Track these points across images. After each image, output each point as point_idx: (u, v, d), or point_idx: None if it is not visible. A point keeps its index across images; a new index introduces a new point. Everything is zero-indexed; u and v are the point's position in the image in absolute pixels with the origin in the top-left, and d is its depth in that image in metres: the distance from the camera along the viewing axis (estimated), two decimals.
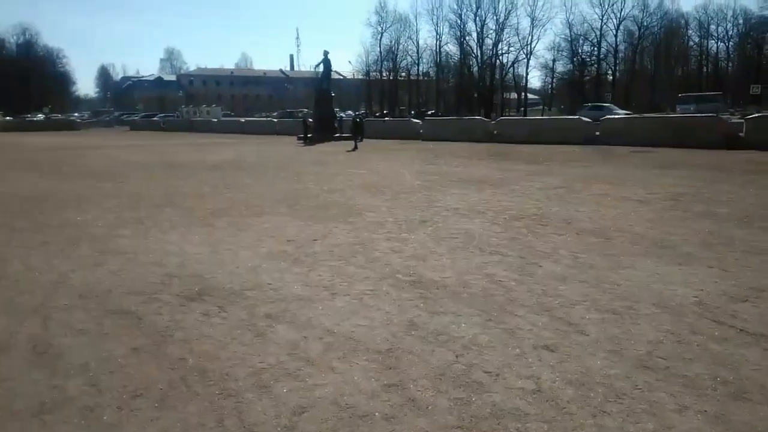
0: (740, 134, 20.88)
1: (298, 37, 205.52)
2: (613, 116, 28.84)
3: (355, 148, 25.69)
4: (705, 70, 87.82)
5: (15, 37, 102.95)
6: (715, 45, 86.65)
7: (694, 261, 5.73)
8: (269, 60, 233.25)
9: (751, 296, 4.57)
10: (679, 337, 3.79)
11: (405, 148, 25.82)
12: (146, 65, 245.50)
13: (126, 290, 5.10)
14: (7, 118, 71.13)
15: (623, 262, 5.74)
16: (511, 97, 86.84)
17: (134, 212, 9.27)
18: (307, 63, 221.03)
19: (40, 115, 76.98)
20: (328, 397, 3.09)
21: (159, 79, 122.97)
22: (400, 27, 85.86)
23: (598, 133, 25.35)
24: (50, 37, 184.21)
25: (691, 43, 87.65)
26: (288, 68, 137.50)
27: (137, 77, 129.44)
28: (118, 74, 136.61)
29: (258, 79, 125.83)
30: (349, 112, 62.31)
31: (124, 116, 77.08)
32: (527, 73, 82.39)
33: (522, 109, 79.01)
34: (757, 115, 23.84)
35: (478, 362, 3.49)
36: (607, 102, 58.43)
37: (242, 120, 53.91)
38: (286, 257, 6.12)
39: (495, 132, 29.51)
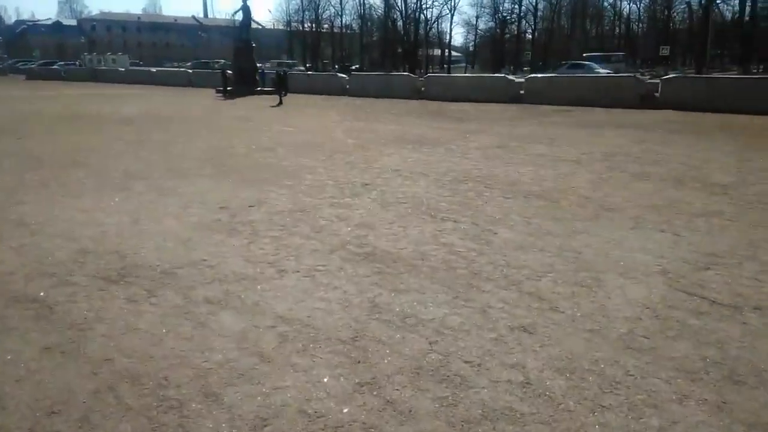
0: (656, 94, 21.75)
1: None
2: (536, 75, 29.16)
3: (280, 103, 24.53)
4: (618, 30, 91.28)
5: None
6: (628, 6, 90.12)
7: (645, 225, 5.67)
8: (180, 5, 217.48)
9: (711, 264, 4.51)
10: (656, 312, 3.62)
11: (332, 104, 24.96)
12: (43, 9, 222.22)
13: (31, 271, 4.31)
14: None
15: (577, 227, 5.59)
16: (435, 53, 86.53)
17: (37, 173, 8.12)
18: (223, 11, 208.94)
19: None
20: (291, 404, 2.63)
21: (57, 24, 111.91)
22: None
23: (522, 92, 25.64)
24: None
25: (606, 3, 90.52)
26: (201, 15, 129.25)
27: (33, 21, 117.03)
28: (11, 18, 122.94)
29: (168, 26, 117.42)
30: (268, 63, 59.48)
31: (20, 64, 69.68)
32: (451, 29, 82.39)
33: (445, 66, 78.99)
34: (672, 75, 24.94)
35: (454, 350, 3.14)
36: (527, 61, 59.48)
37: (153, 70, 50.15)
38: (221, 227, 5.48)
39: (422, 89, 29.17)
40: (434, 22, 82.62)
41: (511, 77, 28.33)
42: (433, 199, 6.81)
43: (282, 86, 26.55)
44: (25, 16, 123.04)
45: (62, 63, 68.10)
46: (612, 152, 10.55)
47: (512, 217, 5.98)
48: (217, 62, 64.86)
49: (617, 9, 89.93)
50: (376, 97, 28.05)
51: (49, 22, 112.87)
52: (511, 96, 25.24)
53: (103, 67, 58.91)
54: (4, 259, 4.59)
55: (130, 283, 4.10)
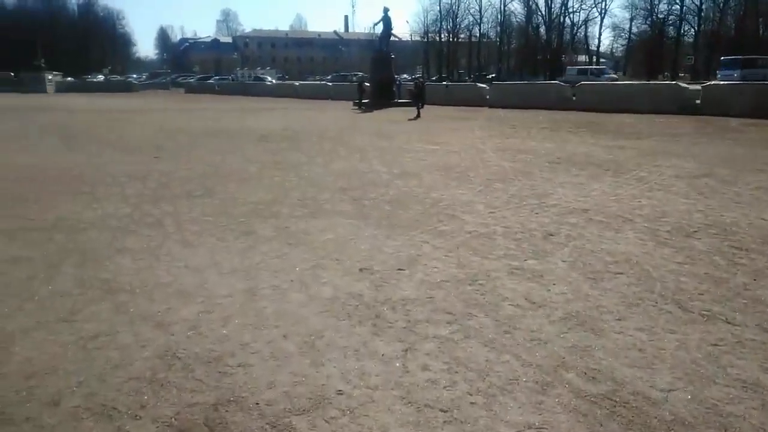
0: None
1: None
2: (719, 82, 24.84)
3: (418, 116, 23.11)
4: None
5: None
6: None
7: None
8: (324, 21, 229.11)
9: None
10: None
11: (472, 116, 23.04)
12: (204, 27, 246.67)
13: (89, 392, 2.89)
14: (68, 78, 71.83)
15: None
16: (580, 60, 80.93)
17: (157, 205, 7.15)
18: (362, 25, 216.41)
19: (99, 77, 77.39)
20: None
21: (215, 41, 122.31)
22: None
23: (698, 102, 21.84)
24: None
25: None
26: (342, 30, 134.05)
27: (194, 39, 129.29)
28: (176, 36, 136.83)
29: (312, 41, 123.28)
30: (405, 75, 58.91)
31: (180, 78, 76.50)
32: (600, 34, 76.30)
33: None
34: None
35: None
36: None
37: (296, 84, 51.79)
38: (362, 315, 3.78)
39: (573, 98, 26.25)
40: (580, 26, 77.50)
41: (683, 84, 24.43)
42: (664, 268, 4.62)
43: (420, 98, 25.16)
44: (189, 35, 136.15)
45: (217, 77, 73.58)
46: None
47: None
48: (355, 75, 65.96)
49: None
50: (520, 107, 25.68)
51: (208, 40, 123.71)
52: (682, 106, 21.64)
53: (253, 81, 62.21)
54: (58, 365, 3.19)
55: None
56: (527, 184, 8.38)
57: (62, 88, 63.75)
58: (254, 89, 51.43)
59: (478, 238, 5.50)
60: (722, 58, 48.47)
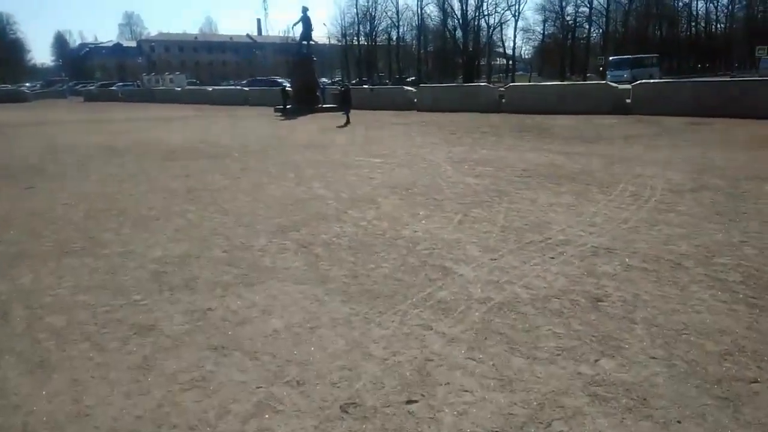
0: None
1: (265, 0, 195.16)
2: (647, 81, 24.80)
3: (347, 122, 21.28)
4: (690, 31, 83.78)
5: None
6: (704, 6, 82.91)
7: None
8: (236, 24, 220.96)
9: None
10: None
11: (404, 120, 21.55)
12: (105, 31, 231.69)
13: None
14: None
15: None
16: (496, 62, 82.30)
17: (7, 273, 4.84)
18: (276, 27, 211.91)
19: None
20: None
21: (118, 46, 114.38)
22: None
23: (628, 101, 21.60)
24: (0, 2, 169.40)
25: (680, 3, 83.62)
26: (255, 33, 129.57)
27: (95, 44, 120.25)
28: (75, 41, 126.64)
29: (224, 45, 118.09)
30: (324, 79, 56.71)
31: (80, 86, 70.09)
32: (515, 36, 77.73)
33: (509, 75, 74.54)
34: None
35: None
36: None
37: (209, 89, 48.36)
38: None
39: (503, 101, 25.43)
40: (494, 28, 78.59)
41: (613, 84, 24.21)
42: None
43: (346, 103, 23.31)
44: (89, 40, 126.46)
45: (120, 84, 67.99)
46: None
47: None
48: (272, 79, 63.07)
49: (692, 8, 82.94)
50: (451, 111, 24.52)
51: (110, 44, 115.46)
52: (615, 105, 21.34)
53: (161, 87, 57.74)
54: None
55: None
56: (512, 210, 6.75)
57: None
58: (162, 95, 47.51)
59: (500, 315, 3.72)
60: (611, 58, 49.72)
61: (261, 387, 2.91)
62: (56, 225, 6.47)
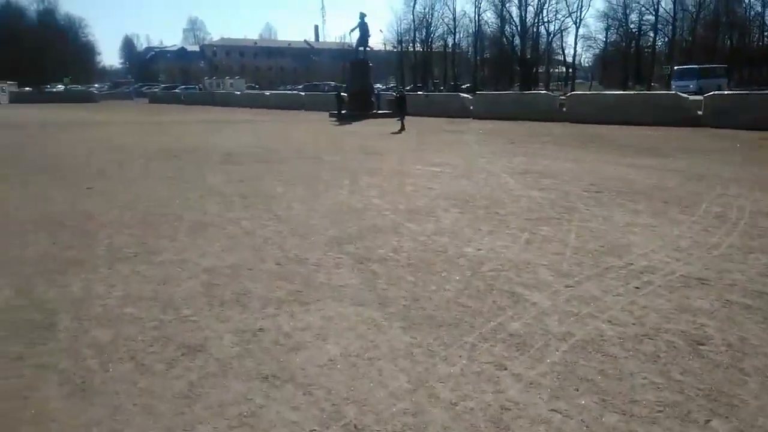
0: None
1: (323, 7, 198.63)
2: (720, 92, 23.39)
3: (402, 128, 20.99)
4: (763, 41, 78.92)
5: (35, 5, 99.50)
6: None
7: None
8: (294, 31, 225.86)
9: None
10: None
11: (460, 128, 21.07)
12: (170, 36, 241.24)
13: None
14: (26, 88, 67.65)
15: None
16: (554, 71, 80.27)
17: (57, 279, 4.72)
18: (333, 34, 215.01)
19: (59, 86, 73.22)
20: None
21: (182, 50, 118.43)
22: None
23: (700, 113, 20.37)
24: (72, 5, 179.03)
25: (753, 12, 79.06)
26: (313, 39, 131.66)
27: (160, 48, 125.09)
28: (142, 45, 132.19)
29: (282, 51, 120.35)
30: (378, 85, 56.71)
31: (144, 88, 72.91)
32: (576, 43, 75.41)
33: (569, 83, 72.47)
34: None
35: None
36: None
37: (267, 93, 49.20)
38: None
39: (564, 109, 24.54)
40: (554, 36, 76.68)
41: (683, 95, 22.92)
42: None
43: (401, 109, 23.01)
44: (155, 43, 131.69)
45: (183, 87, 70.25)
46: None
47: None
48: (327, 84, 63.62)
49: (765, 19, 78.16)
50: (507, 119, 23.87)
51: (175, 49, 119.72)
52: (684, 117, 20.18)
53: (221, 91, 59.26)
54: None
55: None
56: (585, 229, 6.22)
57: (17, 99, 59.80)
58: (222, 99, 48.69)
59: (584, 355, 3.26)
60: (676, 67, 47.01)
61: (315, 430, 2.58)
62: (111, 229, 6.40)
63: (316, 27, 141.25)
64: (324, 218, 6.91)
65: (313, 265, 5.08)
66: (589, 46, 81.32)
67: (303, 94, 44.10)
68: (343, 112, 28.32)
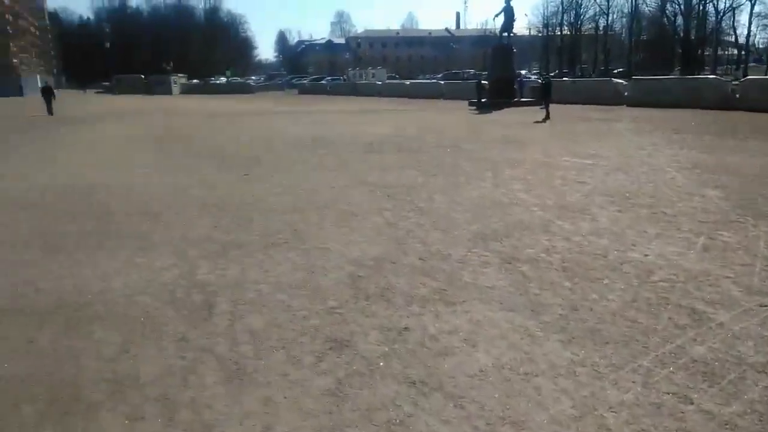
0: None
1: None
2: None
3: (547, 117, 19.89)
4: None
5: (203, 3, 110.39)
6: None
7: None
8: (436, 19, 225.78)
9: None
10: None
11: (612, 116, 19.46)
12: (319, 29, 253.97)
13: None
14: (193, 81, 75.46)
15: None
16: (722, 53, 71.37)
17: (219, 260, 5.00)
18: (475, 21, 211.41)
19: (222, 79, 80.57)
20: None
21: (329, 43, 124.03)
22: None
23: None
24: (233, 2, 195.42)
25: None
26: (454, 27, 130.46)
27: (310, 41, 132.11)
28: (294, 39, 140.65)
29: (423, 40, 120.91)
30: (522, 71, 54.46)
31: (295, 79, 77.52)
32: (750, 22, 66.29)
33: (742, 66, 64.04)
34: None
35: None
36: None
37: (407, 83, 49.71)
38: None
39: (737, 96, 21.60)
40: (723, 14, 68.11)
41: None
42: None
43: (547, 96, 21.76)
44: (305, 37, 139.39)
45: (329, 78, 73.58)
46: None
47: None
48: (467, 72, 62.67)
49: None
50: (668, 107, 21.52)
51: (323, 41, 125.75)
52: None
53: (363, 81, 61.16)
54: None
55: None
56: None
57: (186, 90, 67.00)
58: (364, 89, 50.09)
59: None
60: None
61: None
62: (265, 215, 6.71)
63: (458, 14, 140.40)
64: (466, 212, 6.64)
65: (458, 262, 4.85)
66: (766, 25, 71.14)
67: (442, 82, 43.83)
68: (483, 100, 27.64)
